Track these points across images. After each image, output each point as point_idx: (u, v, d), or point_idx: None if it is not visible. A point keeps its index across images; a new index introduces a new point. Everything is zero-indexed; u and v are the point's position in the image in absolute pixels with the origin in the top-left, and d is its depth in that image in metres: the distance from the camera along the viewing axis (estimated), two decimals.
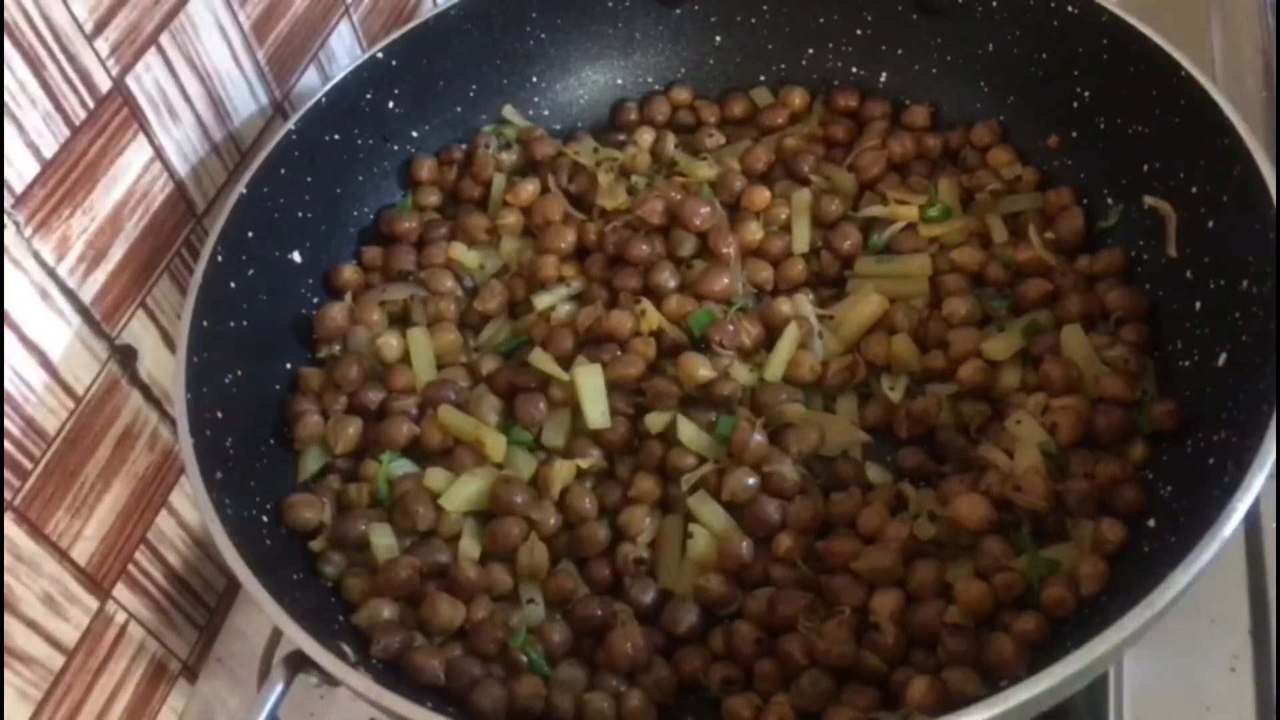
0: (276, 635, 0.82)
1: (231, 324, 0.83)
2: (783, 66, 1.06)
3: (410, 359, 0.89)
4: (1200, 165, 0.81)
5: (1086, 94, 0.91)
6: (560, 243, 0.94)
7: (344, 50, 1.07)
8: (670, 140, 1.02)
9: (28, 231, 0.74)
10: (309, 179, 0.91)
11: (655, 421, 0.83)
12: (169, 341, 0.87)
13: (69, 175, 0.77)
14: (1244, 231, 0.75)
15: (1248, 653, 0.78)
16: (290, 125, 0.90)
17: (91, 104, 0.78)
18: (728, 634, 0.75)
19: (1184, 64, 0.82)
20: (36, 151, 0.74)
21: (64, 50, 0.76)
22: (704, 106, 1.05)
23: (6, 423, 0.73)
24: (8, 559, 0.74)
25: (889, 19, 1.01)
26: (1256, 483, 0.63)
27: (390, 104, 0.98)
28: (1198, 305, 0.80)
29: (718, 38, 1.06)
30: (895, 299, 0.88)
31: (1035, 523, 0.76)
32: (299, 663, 0.69)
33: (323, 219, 0.94)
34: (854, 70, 1.04)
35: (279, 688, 0.69)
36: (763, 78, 1.06)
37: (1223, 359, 0.76)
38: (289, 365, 0.89)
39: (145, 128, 0.84)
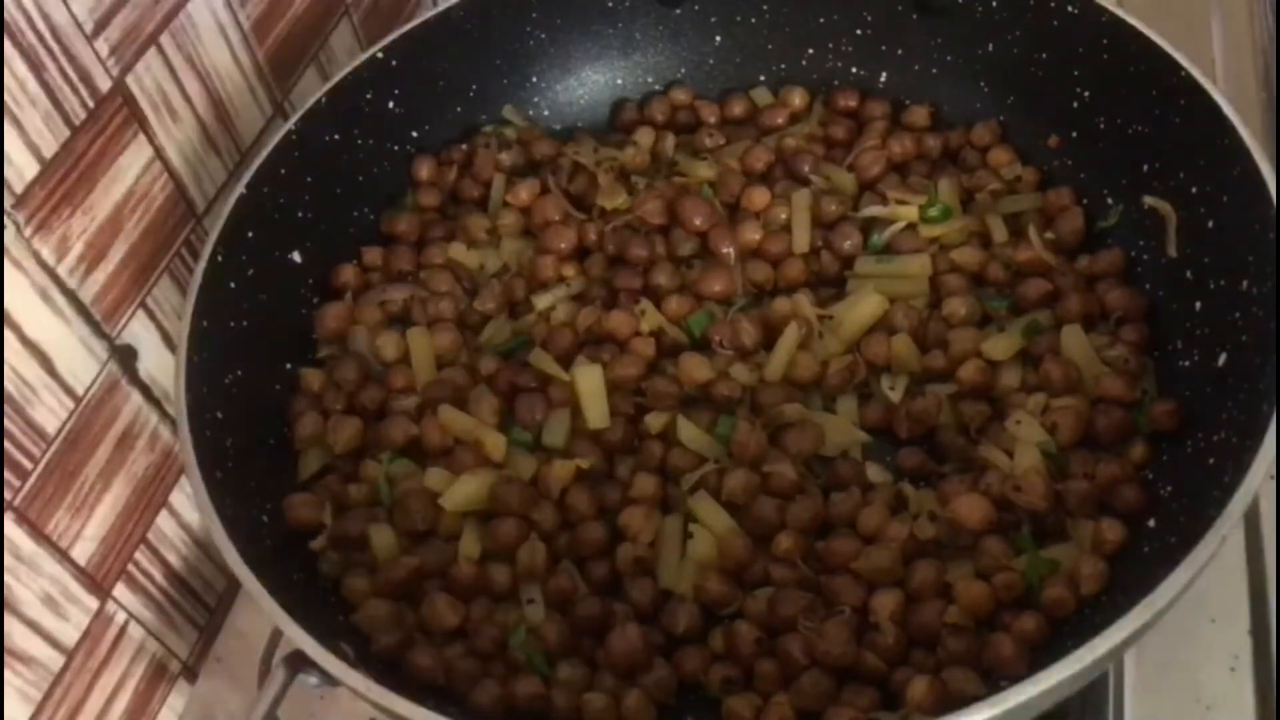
0: (276, 635, 0.81)
1: (231, 324, 0.83)
2: (783, 66, 1.05)
3: (410, 359, 0.89)
4: (1200, 165, 0.81)
5: (1086, 94, 0.91)
6: (560, 243, 0.94)
7: (344, 50, 1.07)
8: (670, 140, 1.02)
9: (28, 231, 0.74)
10: (309, 179, 0.91)
11: (655, 421, 0.83)
12: (169, 341, 0.87)
13: (69, 175, 0.77)
14: (1244, 231, 0.75)
15: (1248, 652, 0.78)
16: (290, 125, 0.89)
17: (91, 104, 0.78)
18: (728, 634, 0.75)
19: (1184, 64, 0.81)
20: (36, 151, 0.74)
21: (64, 50, 0.76)
22: (704, 106, 1.05)
23: (6, 423, 0.73)
24: (8, 559, 0.74)
25: (889, 19, 1.01)
26: (1256, 483, 0.63)
27: (390, 104, 0.98)
28: (1198, 305, 0.80)
29: (718, 38, 1.06)
30: (895, 299, 0.88)
31: (1035, 523, 0.76)
32: (299, 663, 0.69)
33: (323, 219, 0.93)
34: (854, 70, 1.04)
35: (279, 687, 0.69)
36: (763, 78, 1.06)
37: (1223, 359, 0.75)
38: (289, 365, 0.89)
39: (145, 128, 0.84)
